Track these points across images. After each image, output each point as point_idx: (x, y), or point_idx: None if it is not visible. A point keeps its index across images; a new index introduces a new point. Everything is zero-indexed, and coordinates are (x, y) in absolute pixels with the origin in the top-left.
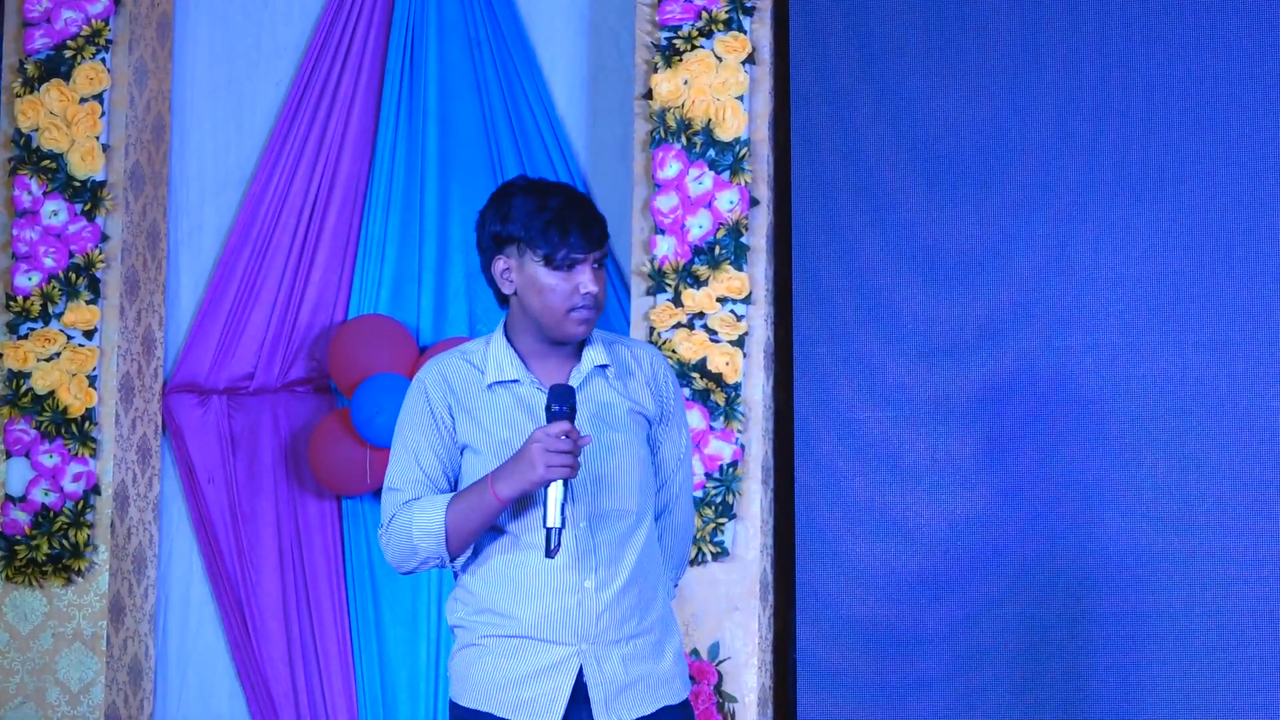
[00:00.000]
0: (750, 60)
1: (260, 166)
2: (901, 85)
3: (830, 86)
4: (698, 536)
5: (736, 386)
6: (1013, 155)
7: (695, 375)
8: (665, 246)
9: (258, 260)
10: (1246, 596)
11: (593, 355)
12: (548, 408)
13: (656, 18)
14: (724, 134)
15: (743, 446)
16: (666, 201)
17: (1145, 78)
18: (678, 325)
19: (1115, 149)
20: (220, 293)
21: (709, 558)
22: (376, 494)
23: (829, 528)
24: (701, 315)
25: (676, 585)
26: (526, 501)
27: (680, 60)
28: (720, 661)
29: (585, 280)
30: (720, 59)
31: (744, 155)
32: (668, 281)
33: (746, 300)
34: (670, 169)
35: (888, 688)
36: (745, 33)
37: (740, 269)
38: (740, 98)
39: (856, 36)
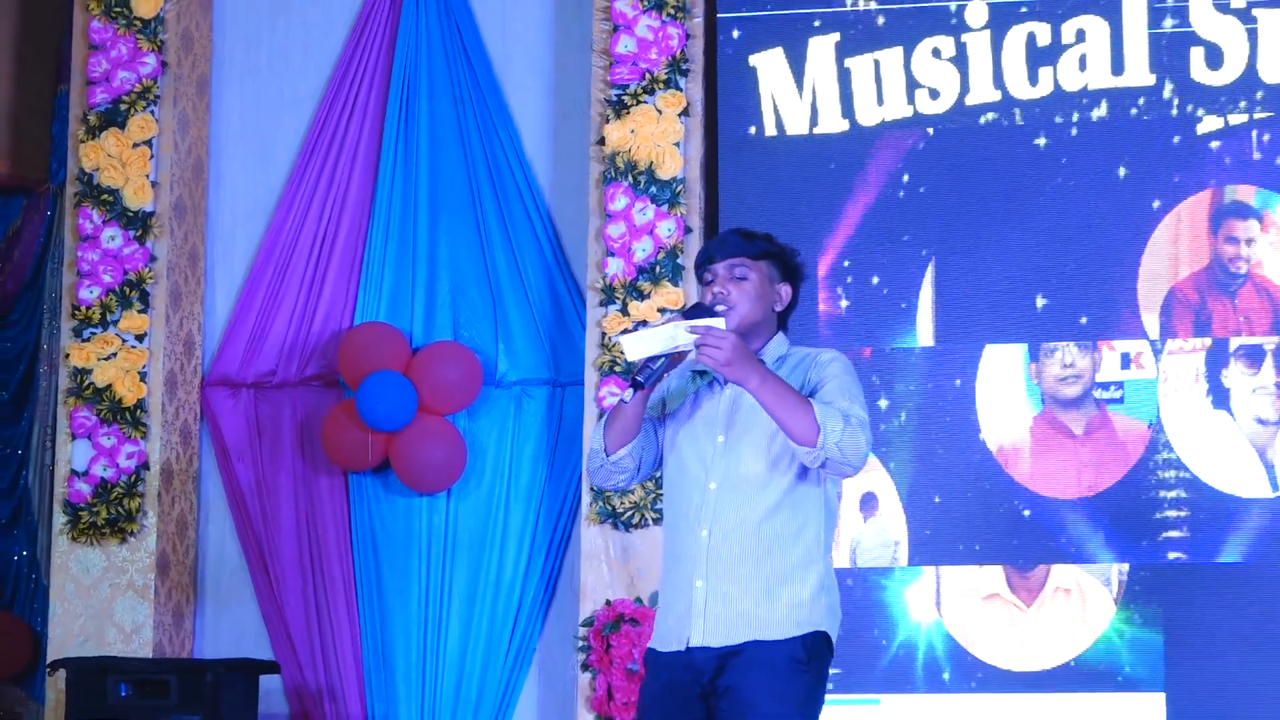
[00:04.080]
0: (685, 113)
1: (281, 200)
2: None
3: (751, 134)
4: (641, 504)
5: None
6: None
7: None
8: (615, 266)
9: (279, 277)
10: None
11: (767, 353)
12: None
13: (609, 78)
14: (663, 174)
15: None
16: (616, 229)
17: None
18: (624, 331)
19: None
20: (248, 304)
21: (651, 522)
22: (377, 471)
23: None
24: (645, 323)
25: (829, 445)
26: (684, 467)
27: (628, 113)
28: None
29: (716, 287)
30: (660, 112)
31: (680, 191)
32: (617, 295)
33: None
34: (619, 202)
35: None
36: (681, 90)
37: (676, 285)
38: (677, 144)
39: (774, 94)
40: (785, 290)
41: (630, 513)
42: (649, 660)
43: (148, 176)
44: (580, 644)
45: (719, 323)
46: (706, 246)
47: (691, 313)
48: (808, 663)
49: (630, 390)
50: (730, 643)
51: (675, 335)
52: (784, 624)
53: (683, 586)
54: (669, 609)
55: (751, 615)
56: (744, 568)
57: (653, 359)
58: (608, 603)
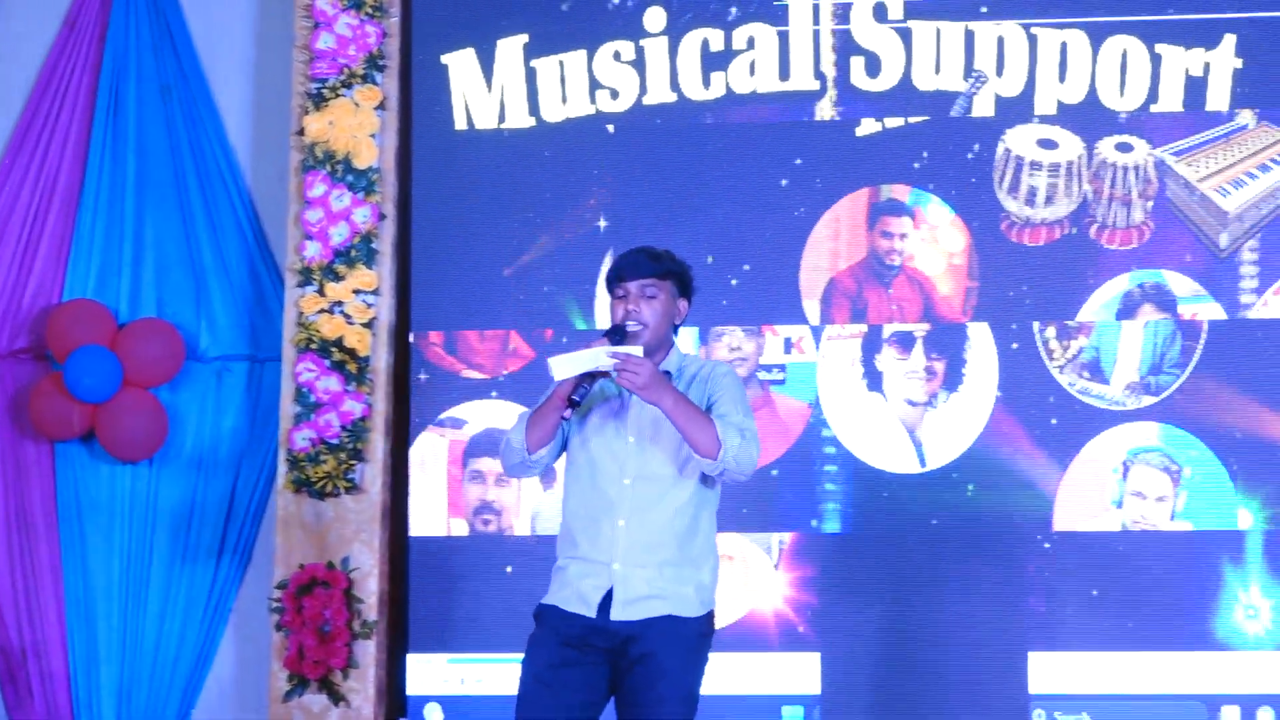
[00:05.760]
0: (381, 107)
1: None
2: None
3: (443, 128)
4: (333, 474)
5: (366, 359)
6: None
7: (334, 350)
8: (313, 249)
9: None
10: None
11: (668, 364)
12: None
13: (309, 71)
14: (360, 163)
15: (370, 405)
16: (314, 215)
17: None
18: (321, 310)
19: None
20: None
21: (342, 491)
22: (83, 440)
23: (436, 468)
24: (340, 303)
25: (728, 459)
26: (595, 463)
27: (327, 105)
28: (351, 571)
29: (629, 304)
30: (358, 105)
31: (375, 180)
32: (314, 276)
33: (375, 292)
34: (317, 190)
35: (487, 592)
36: (378, 85)
37: (370, 268)
38: (373, 135)
39: (465, 91)
40: (683, 305)
41: (324, 482)
42: (547, 613)
43: None
44: (274, 605)
45: (637, 350)
46: (618, 265)
47: (611, 333)
48: (709, 636)
49: (569, 409)
50: (649, 616)
51: (597, 359)
52: (693, 603)
53: (597, 565)
54: (579, 578)
55: (667, 594)
56: (658, 554)
57: (584, 378)
58: (301, 566)
